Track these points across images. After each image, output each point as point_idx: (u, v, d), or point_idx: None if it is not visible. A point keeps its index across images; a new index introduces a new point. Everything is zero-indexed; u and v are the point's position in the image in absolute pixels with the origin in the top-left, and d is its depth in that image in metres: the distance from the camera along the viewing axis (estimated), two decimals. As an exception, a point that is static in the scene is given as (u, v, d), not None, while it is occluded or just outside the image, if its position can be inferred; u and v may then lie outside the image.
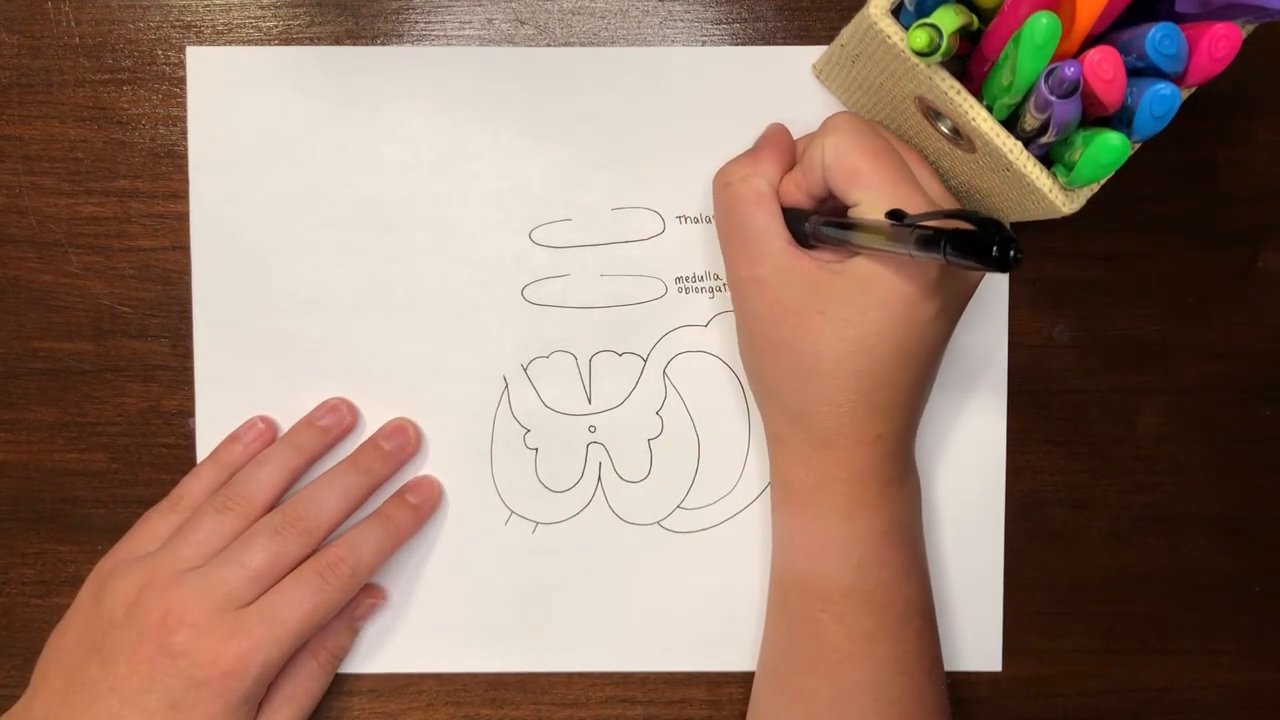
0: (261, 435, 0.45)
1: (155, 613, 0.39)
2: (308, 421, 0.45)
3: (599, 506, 0.46)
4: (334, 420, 0.45)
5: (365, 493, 0.44)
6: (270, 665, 0.40)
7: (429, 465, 0.46)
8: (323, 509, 0.43)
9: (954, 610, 0.47)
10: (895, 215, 0.35)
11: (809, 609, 0.41)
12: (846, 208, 0.39)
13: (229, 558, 0.41)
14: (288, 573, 0.41)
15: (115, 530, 0.44)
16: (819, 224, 0.39)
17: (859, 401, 0.39)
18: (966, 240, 0.30)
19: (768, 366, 0.41)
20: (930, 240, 0.32)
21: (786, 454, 0.42)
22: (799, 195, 0.41)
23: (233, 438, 0.45)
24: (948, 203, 0.40)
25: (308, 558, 0.42)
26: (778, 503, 0.43)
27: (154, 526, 0.43)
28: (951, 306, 0.40)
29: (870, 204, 0.38)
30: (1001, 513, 0.47)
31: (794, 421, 0.41)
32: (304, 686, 0.43)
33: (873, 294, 0.38)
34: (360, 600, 0.45)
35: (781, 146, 0.43)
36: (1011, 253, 0.30)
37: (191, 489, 0.44)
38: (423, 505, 0.45)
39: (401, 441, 0.45)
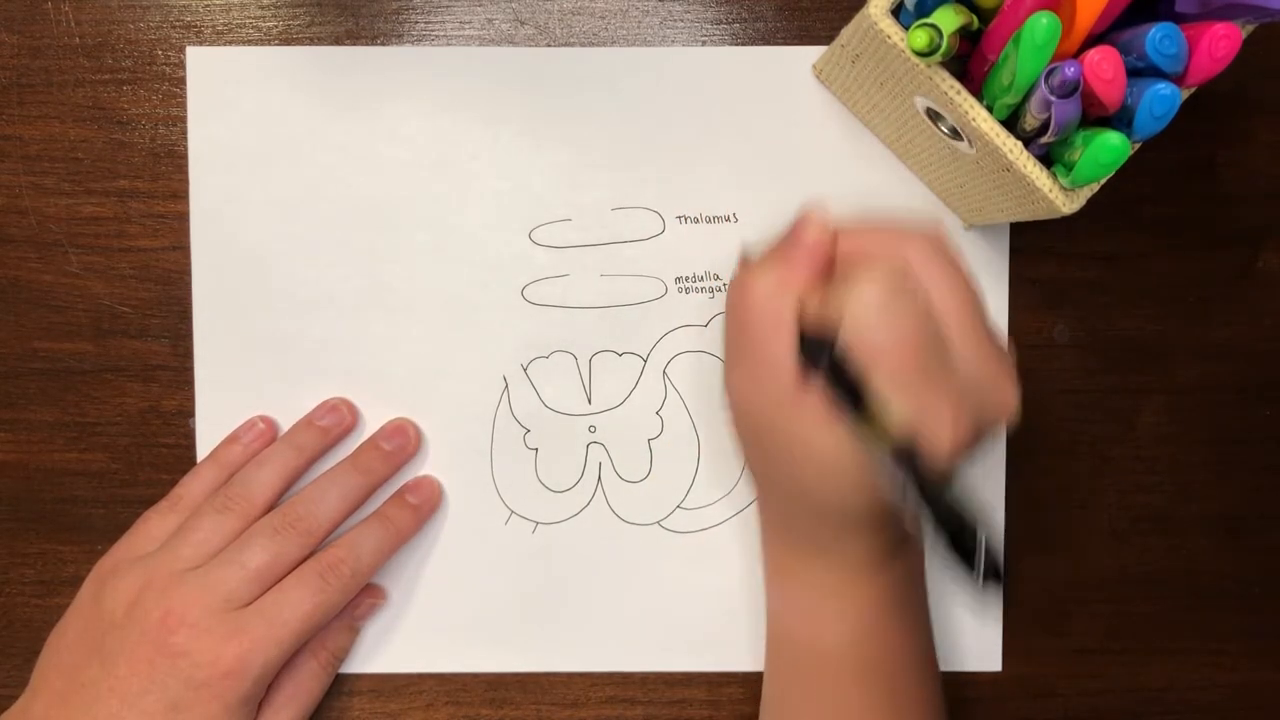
0: (261, 435, 0.45)
1: (155, 613, 0.39)
2: (308, 421, 0.45)
3: (599, 506, 0.46)
4: (334, 420, 0.45)
5: (365, 493, 0.44)
6: (270, 665, 0.40)
7: (429, 465, 0.46)
8: (322, 509, 0.43)
9: (954, 610, 0.47)
10: (905, 454, 0.34)
11: (802, 663, 0.41)
12: None
13: (229, 558, 0.41)
14: (287, 573, 0.41)
15: (115, 530, 0.44)
16: (826, 381, 0.36)
17: (840, 518, 0.38)
18: (956, 542, 0.31)
19: (752, 456, 0.41)
20: (920, 508, 0.32)
21: (772, 528, 0.42)
22: (815, 313, 0.36)
23: (232, 438, 0.45)
24: (972, 391, 0.35)
25: (307, 558, 0.42)
26: (767, 573, 0.43)
27: (154, 527, 0.43)
28: None
29: (881, 395, 0.34)
30: (1001, 513, 0.47)
31: (777, 502, 0.40)
32: (304, 686, 0.43)
33: (852, 477, 0.36)
34: (360, 600, 0.45)
35: (816, 255, 0.37)
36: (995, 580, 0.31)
37: (191, 489, 0.44)
38: (423, 505, 0.45)
39: (401, 442, 0.45)
